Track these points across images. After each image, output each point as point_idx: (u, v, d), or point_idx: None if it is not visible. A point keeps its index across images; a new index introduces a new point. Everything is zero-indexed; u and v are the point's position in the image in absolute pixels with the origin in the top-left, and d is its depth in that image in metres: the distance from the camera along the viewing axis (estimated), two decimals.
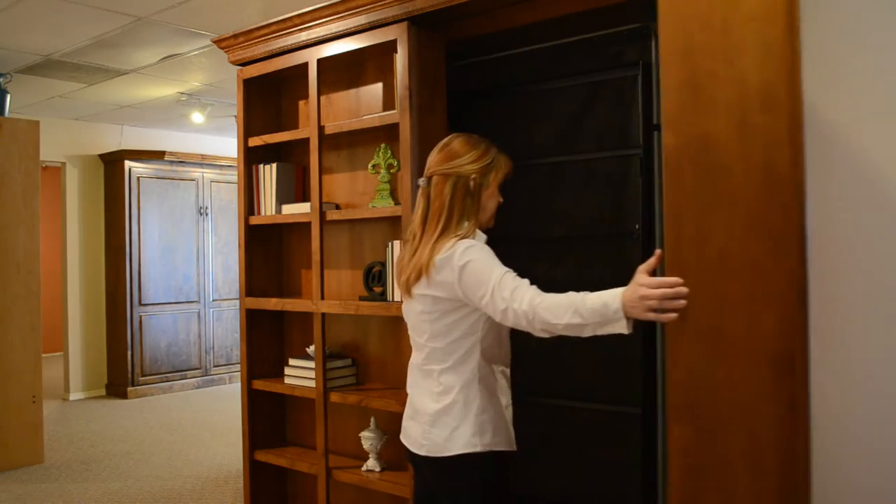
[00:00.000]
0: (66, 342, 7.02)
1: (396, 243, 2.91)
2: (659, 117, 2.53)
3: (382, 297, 3.00)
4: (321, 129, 3.10)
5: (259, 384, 3.42)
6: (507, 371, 1.99)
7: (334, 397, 3.08)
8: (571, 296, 1.66)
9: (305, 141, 3.19)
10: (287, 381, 3.31)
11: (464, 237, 1.84)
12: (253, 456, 3.43)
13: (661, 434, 2.58)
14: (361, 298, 3.07)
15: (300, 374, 3.24)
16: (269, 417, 3.54)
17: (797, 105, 1.47)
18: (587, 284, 1.74)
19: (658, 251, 1.61)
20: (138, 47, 4.72)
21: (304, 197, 3.43)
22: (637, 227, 2.59)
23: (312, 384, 3.15)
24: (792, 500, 1.47)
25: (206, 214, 7.62)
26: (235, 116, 3.59)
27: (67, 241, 7.04)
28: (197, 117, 6.55)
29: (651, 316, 1.57)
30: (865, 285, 1.82)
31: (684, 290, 1.54)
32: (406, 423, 2.01)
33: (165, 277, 7.27)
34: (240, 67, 3.45)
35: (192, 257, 7.50)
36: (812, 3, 1.67)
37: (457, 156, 1.89)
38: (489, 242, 1.91)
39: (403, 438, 2.01)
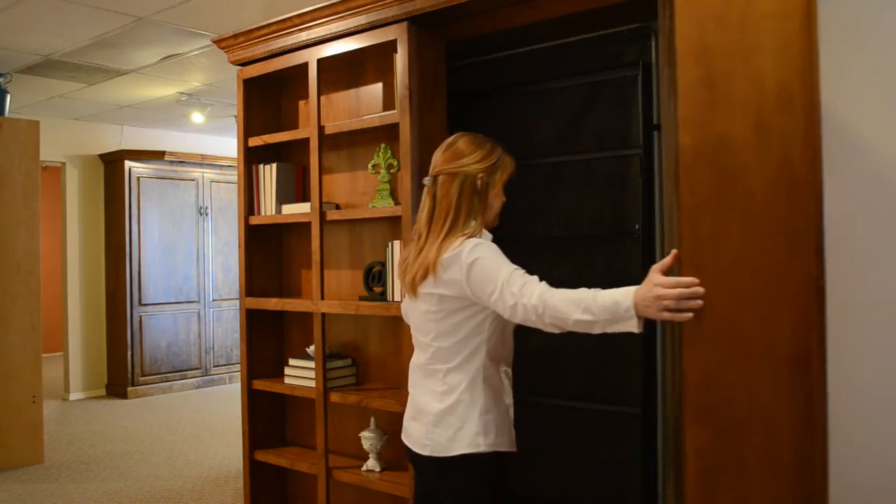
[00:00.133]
0: (66, 342, 7.01)
1: (396, 243, 2.91)
2: (659, 117, 2.54)
3: (382, 297, 3.00)
4: (321, 129, 3.10)
5: (259, 384, 3.42)
6: (510, 371, 1.99)
7: (334, 397, 3.08)
8: (583, 292, 1.66)
9: (305, 141, 3.19)
10: (287, 381, 3.31)
11: (471, 236, 1.84)
12: (253, 456, 3.44)
13: (660, 434, 2.58)
14: (361, 298, 3.07)
15: (300, 374, 3.24)
16: (269, 417, 3.54)
17: (814, 104, 1.47)
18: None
19: (674, 251, 1.59)
20: (138, 47, 4.72)
21: (304, 197, 3.43)
22: (637, 227, 2.59)
23: (312, 384, 3.15)
24: (808, 501, 1.46)
25: (206, 214, 7.62)
26: (235, 116, 3.60)
27: (67, 241, 7.04)
28: (197, 117, 6.55)
29: (666, 316, 1.55)
30: (883, 285, 1.80)
31: (700, 290, 1.53)
32: (407, 423, 2.01)
33: (165, 277, 7.27)
34: (240, 67, 3.45)
35: (192, 257, 7.50)
36: (829, 1, 1.66)
37: (463, 155, 1.89)
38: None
39: (405, 438, 2.00)
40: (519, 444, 1.96)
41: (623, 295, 1.60)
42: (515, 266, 1.77)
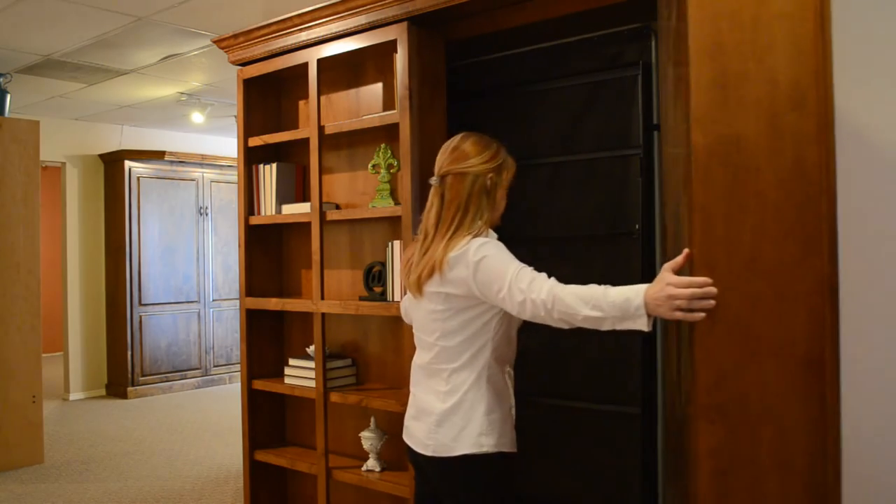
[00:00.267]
0: (66, 342, 7.02)
1: (396, 243, 2.91)
2: (659, 117, 2.54)
3: (382, 297, 3.00)
4: (321, 129, 3.10)
5: (259, 384, 3.42)
6: (512, 372, 1.99)
7: (334, 397, 3.08)
8: (593, 288, 1.65)
9: (305, 141, 3.19)
10: (287, 381, 3.31)
11: (477, 235, 1.85)
12: (253, 456, 3.44)
13: (660, 434, 2.58)
14: (361, 298, 3.07)
15: (300, 374, 3.24)
16: (269, 417, 3.54)
17: (827, 104, 1.47)
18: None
19: (686, 250, 1.59)
20: (138, 47, 4.72)
21: (304, 197, 3.43)
22: (637, 227, 2.59)
23: (312, 384, 3.15)
24: (822, 502, 1.46)
25: (206, 214, 7.62)
26: (235, 116, 3.60)
27: (67, 241, 7.04)
28: (197, 117, 6.55)
29: (678, 315, 1.55)
30: None
31: (713, 290, 1.52)
32: (409, 422, 2.00)
33: (165, 277, 7.27)
34: (240, 67, 3.45)
35: (192, 257, 7.50)
36: (843, 0, 1.66)
37: (472, 155, 1.90)
38: None
39: (406, 438, 2.00)
40: (519, 444, 1.96)
41: (634, 293, 1.60)
42: (523, 264, 1.77)
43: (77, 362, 7.06)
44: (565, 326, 1.71)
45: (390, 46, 2.89)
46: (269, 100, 3.56)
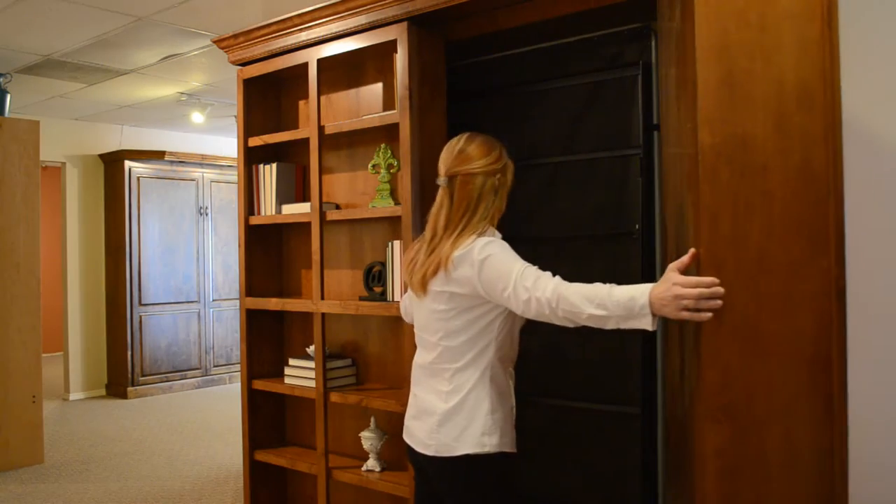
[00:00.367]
0: (66, 342, 7.02)
1: (397, 243, 2.91)
2: (659, 117, 2.54)
3: (382, 297, 3.00)
4: (321, 129, 3.10)
5: (259, 384, 3.42)
6: (513, 372, 1.99)
7: (334, 397, 3.08)
8: (598, 287, 1.66)
9: (305, 141, 3.19)
10: (287, 381, 3.31)
11: (481, 234, 1.85)
12: (253, 456, 3.44)
13: (660, 434, 2.58)
14: (361, 298, 3.07)
15: (300, 374, 3.24)
16: (269, 417, 3.54)
17: (835, 103, 1.47)
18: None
19: (692, 250, 1.59)
20: (138, 47, 4.72)
21: (304, 197, 3.43)
22: (637, 227, 2.59)
23: (312, 384, 3.15)
24: (829, 501, 1.46)
25: (206, 214, 7.62)
26: (235, 116, 3.59)
27: (67, 241, 7.04)
28: (197, 117, 6.55)
29: (685, 315, 1.55)
30: None
31: (720, 290, 1.52)
32: (410, 422, 2.00)
33: (165, 277, 7.27)
34: (240, 67, 3.45)
35: (192, 257, 7.50)
36: (850, 1, 1.66)
37: (480, 156, 1.90)
38: None
39: (407, 438, 2.00)
40: (519, 444, 1.96)
41: (639, 292, 1.60)
42: (527, 262, 1.78)
43: (77, 362, 7.06)
44: (569, 325, 1.71)
45: (390, 46, 2.89)
46: (269, 100, 3.56)
